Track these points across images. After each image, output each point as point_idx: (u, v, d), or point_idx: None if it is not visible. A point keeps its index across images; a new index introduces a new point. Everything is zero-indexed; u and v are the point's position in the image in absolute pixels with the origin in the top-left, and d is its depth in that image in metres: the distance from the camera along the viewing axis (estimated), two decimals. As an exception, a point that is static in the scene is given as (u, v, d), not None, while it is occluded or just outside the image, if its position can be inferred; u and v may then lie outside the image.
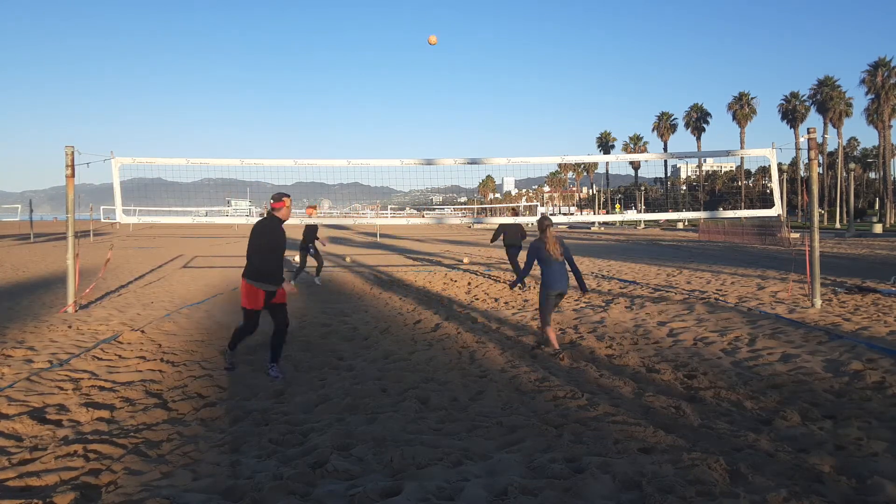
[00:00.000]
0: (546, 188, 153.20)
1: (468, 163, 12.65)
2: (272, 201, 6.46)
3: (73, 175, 10.69)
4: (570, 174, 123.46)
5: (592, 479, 3.76)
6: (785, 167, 70.79)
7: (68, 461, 4.20)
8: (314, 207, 14.30)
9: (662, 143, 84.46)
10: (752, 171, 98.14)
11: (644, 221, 65.83)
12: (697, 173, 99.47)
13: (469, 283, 14.34)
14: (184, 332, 8.78)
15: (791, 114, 70.29)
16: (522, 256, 14.36)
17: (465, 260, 20.53)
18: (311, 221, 13.64)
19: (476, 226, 58.88)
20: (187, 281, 15.20)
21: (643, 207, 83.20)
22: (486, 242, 32.67)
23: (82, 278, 12.64)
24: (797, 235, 30.46)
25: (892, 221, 57.09)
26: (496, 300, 11.83)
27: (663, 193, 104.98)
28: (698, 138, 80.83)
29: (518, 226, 14.27)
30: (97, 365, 6.84)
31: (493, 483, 3.75)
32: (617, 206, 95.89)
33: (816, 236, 10.68)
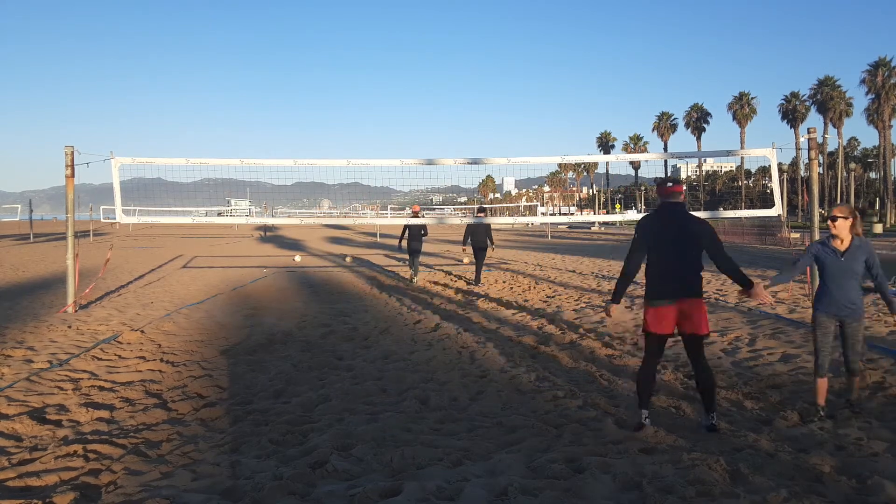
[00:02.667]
0: (546, 188, 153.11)
1: (468, 163, 12.64)
2: (669, 185, 4.84)
3: (72, 175, 10.69)
4: (570, 174, 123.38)
5: (592, 479, 3.76)
6: (785, 167, 70.74)
7: (68, 461, 4.20)
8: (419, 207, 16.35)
9: (662, 143, 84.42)
10: (753, 171, 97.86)
11: (644, 221, 65.66)
12: (697, 173, 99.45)
13: (469, 284, 14.34)
14: (184, 332, 8.78)
15: (791, 114, 70.25)
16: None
17: (466, 260, 20.52)
18: (418, 221, 14.41)
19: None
20: (187, 281, 15.19)
21: (643, 207, 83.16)
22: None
23: (82, 278, 12.64)
24: (797, 235, 30.45)
25: (893, 221, 57.07)
26: (496, 300, 11.82)
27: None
28: (698, 138, 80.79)
29: (484, 226, 14.85)
30: (97, 365, 6.84)
31: (493, 483, 3.75)
32: (617, 206, 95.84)
33: (817, 236, 10.67)
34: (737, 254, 23.31)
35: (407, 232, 14.63)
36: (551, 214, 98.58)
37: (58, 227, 52.72)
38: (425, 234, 14.98)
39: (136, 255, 23.69)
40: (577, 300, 11.60)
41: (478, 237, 14.47)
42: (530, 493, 3.62)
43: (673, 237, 4.70)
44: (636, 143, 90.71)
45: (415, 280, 14.45)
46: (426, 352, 7.52)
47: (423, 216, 17.66)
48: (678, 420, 5.01)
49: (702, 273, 4.73)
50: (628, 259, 4.84)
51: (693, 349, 4.79)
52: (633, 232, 4.90)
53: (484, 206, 19.34)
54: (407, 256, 15.04)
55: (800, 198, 63.37)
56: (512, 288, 13.51)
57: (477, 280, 14.34)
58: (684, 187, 5.12)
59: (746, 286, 4.77)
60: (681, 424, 4.90)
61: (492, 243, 14.77)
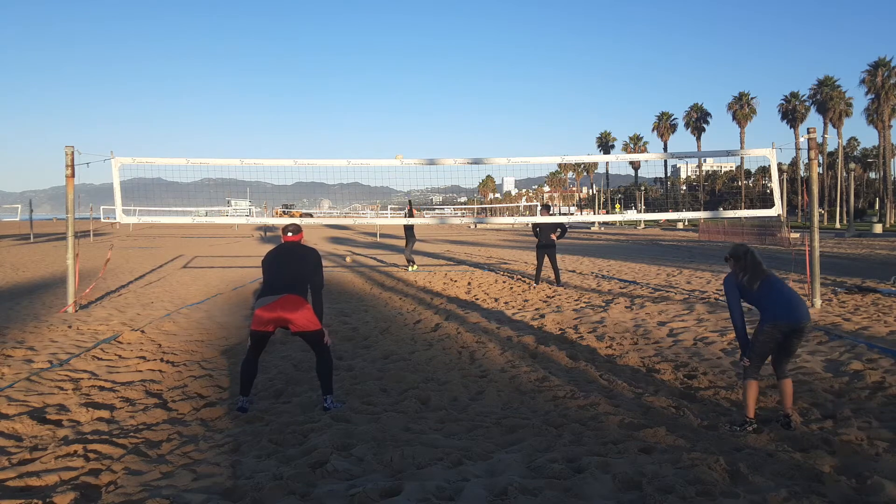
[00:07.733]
0: (546, 188, 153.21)
1: (468, 163, 12.64)
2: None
3: (73, 175, 10.69)
4: (570, 174, 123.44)
5: (592, 479, 3.76)
6: (785, 167, 70.76)
7: (68, 461, 4.20)
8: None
9: (662, 143, 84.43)
10: (752, 171, 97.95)
11: (644, 221, 65.81)
12: (697, 173, 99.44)
13: (469, 283, 14.34)
14: (184, 332, 8.78)
15: (791, 114, 70.23)
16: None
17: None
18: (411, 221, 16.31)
19: (478, 226, 58.84)
20: (187, 281, 15.19)
21: (643, 207, 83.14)
22: (486, 242, 32.69)
23: (82, 278, 12.65)
24: (797, 235, 30.44)
25: (892, 221, 57.05)
26: (496, 300, 11.82)
27: (663, 193, 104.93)
28: (698, 138, 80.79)
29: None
30: (97, 365, 6.84)
31: (493, 483, 3.75)
32: (617, 206, 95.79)
33: (816, 236, 10.68)
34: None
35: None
36: (551, 214, 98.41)
37: (58, 227, 52.75)
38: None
39: (137, 255, 23.69)
40: (576, 300, 11.60)
41: (544, 234, 13.90)
42: (530, 492, 3.62)
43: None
44: (636, 144, 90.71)
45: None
46: (426, 352, 7.52)
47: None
48: (678, 420, 5.02)
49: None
50: None
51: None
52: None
53: (548, 203, 19.24)
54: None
55: (800, 198, 63.36)
56: (512, 288, 13.52)
57: (557, 280, 13.83)
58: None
59: None
60: (681, 424, 4.91)
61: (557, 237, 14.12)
